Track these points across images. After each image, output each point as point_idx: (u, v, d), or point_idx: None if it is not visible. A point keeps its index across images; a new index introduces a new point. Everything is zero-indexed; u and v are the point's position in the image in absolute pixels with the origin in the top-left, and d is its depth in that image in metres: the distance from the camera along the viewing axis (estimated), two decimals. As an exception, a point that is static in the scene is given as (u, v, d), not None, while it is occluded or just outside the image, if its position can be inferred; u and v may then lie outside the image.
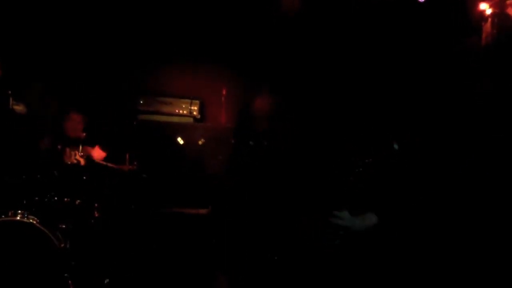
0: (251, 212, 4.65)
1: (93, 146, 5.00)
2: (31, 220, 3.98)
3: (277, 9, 5.27)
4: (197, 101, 5.82)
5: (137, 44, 5.79)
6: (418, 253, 2.58)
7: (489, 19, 4.24)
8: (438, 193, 2.57)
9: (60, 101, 5.35)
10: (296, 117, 5.11)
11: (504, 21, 4.20)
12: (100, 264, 4.37)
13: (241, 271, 4.40)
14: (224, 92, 5.71)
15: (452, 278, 2.58)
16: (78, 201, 4.44)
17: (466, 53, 4.25)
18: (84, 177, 4.64)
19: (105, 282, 4.34)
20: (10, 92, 4.36)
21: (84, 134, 5.04)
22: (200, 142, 5.39)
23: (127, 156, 4.99)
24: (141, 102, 5.76)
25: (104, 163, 4.92)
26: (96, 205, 4.58)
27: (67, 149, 4.92)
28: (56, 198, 4.35)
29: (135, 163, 5.01)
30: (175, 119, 5.77)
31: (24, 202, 4.16)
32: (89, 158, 4.84)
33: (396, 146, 2.60)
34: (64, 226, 4.24)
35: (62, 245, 4.03)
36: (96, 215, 4.56)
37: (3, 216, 3.95)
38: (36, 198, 4.26)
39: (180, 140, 5.39)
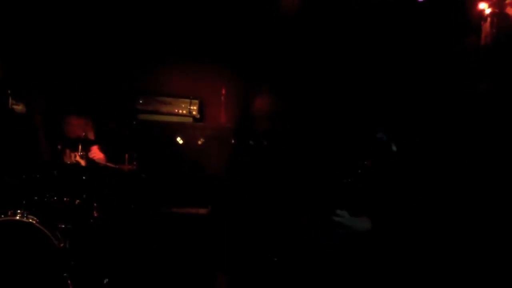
0: (251, 212, 4.66)
1: (92, 146, 5.00)
2: (30, 220, 3.97)
3: (277, 9, 5.27)
4: (197, 101, 5.80)
5: (137, 44, 5.78)
6: (417, 253, 2.58)
7: (488, 19, 4.25)
8: (438, 193, 2.57)
9: (60, 101, 5.34)
10: (296, 117, 5.12)
11: (503, 20, 4.20)
12: (100, 264, 4.36)
13: (241, 271, 4.41)
14: (223, 92, 5.71)
15: (452, 278, 2.58)
16: (77, 201, 4.43)
17: (465, 52, 4.26)
18: (84, 177, 4.63)
19: (105, 282, 4.33)
20: (10, 92, 4.36)
21: (84, 134, 5.04)
22: (199, 142, 5.39)
23: (127, 156, 4.98)
24: (141, 101, 5.75)
25: (104, 163, 4.92)
26: (95, 205, 4.57)
27: (67, 149, 4.92)
28: (55, 198, 4.34)
29: (135, 163, 5.01)
30: (175, 119, 5.75)
31: (24, 202, 4.15)
32: (88, 158, 4.83)
33: (394, 148, 2.60)
34: (63, 226, 4.23)
35: (62, 245, 4.02)
36: (96, 215, 4.55)
37: (2, 216, 3.94)
38: (36, 198, 4.25)
39: (180, 140, 5.39)
